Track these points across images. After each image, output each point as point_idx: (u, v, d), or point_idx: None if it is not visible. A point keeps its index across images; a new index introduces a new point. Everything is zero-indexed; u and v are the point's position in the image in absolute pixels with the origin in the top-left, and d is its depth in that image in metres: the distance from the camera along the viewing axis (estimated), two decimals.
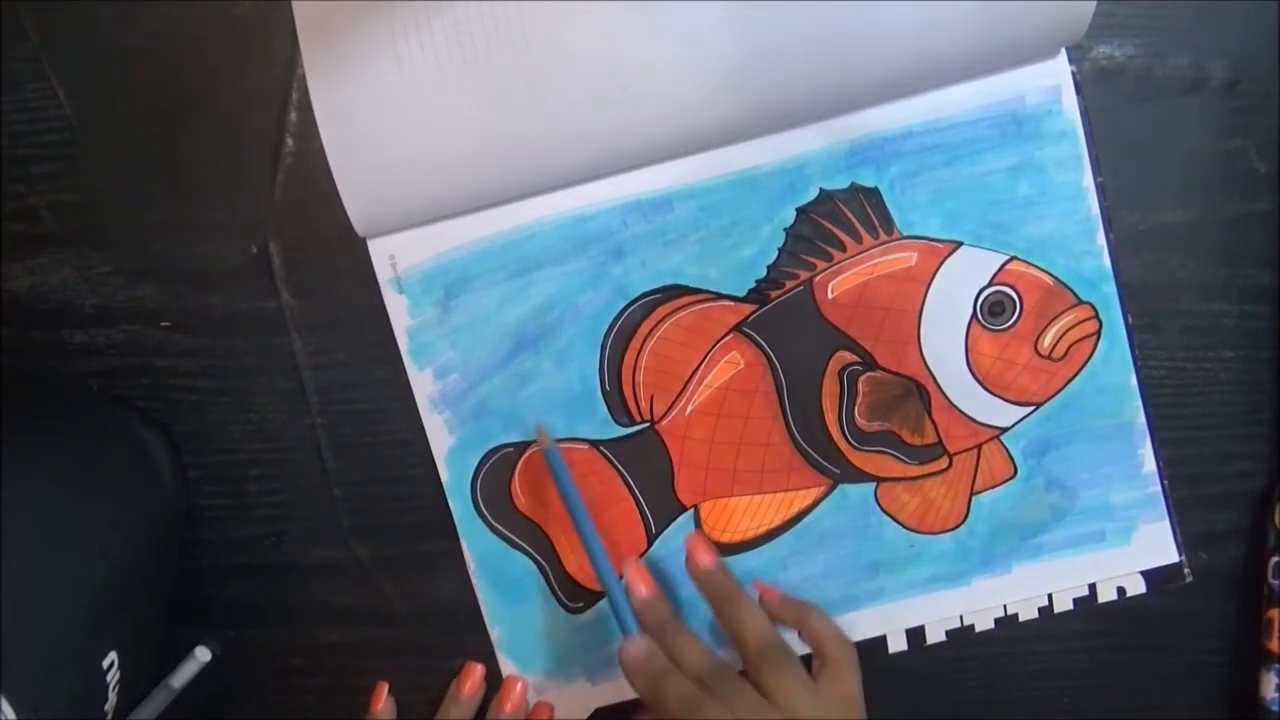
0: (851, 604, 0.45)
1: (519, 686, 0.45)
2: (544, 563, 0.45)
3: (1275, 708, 0.44)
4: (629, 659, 0.39)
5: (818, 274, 0.43)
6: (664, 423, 0.44)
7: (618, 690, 0.46)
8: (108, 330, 0.43)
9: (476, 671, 0.45)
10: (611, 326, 0.43)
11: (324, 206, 0.41)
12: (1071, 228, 0.42)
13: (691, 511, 0.45)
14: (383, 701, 0.46)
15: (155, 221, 0.42)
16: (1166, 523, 0.44)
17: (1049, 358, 0.43)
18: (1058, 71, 0.41)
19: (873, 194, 0.42)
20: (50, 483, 0.37)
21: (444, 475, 0.44)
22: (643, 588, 0.42)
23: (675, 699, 0.37)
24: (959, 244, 0.42)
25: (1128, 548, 0.45)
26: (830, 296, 0.43)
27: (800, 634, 0.42)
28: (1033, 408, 0.44)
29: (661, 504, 0.45)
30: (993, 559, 0.45)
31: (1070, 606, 0.45)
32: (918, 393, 0.44)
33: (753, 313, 0.43)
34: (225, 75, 0.41)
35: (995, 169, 0.42)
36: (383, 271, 0.42)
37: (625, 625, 0.40)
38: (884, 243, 0.43)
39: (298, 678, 0.47)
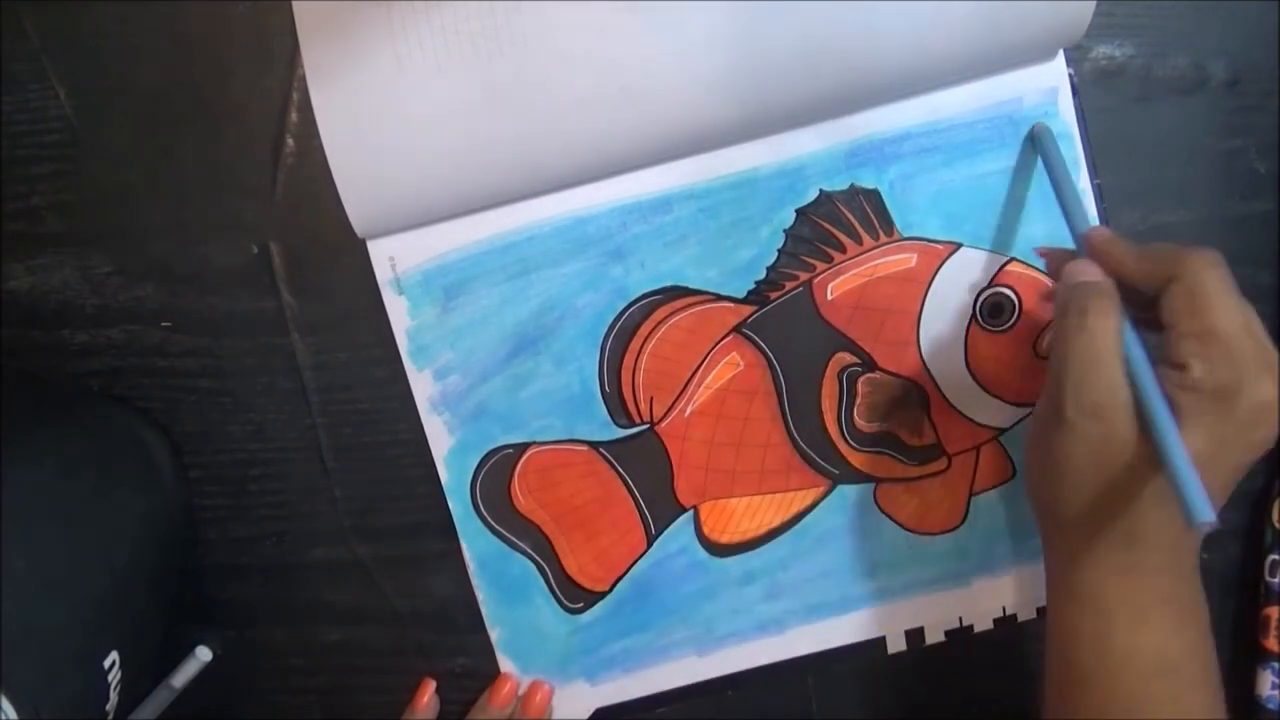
0: (850, 605, 0.45)
1: (508, 688, 0.45)
2: (544, 563, 0.45)
3: (1271, 705, 0.44)
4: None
5: (817, 275, 0.43)
6: (663, 424, 0.44)
7: (618, 690, 0.46)
8: (108, 330, 0.43)
9: (509, 684, 0.45)
10: (611, 328, 0.43)
11: (324, 207, 0.41)
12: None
13: (691, 512, 0.45)
14: (427, 698, 0.46)
15: (155, 221, 0.42)
16: None
17: (1047, 358, 0.43)
18: (1055, 74, 0.41)
19: (873, 195, 0.42)
20: (50, 483, 0.37)
21: (444, 476, 0.44)
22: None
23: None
24: (959, 245, 0.42)
25: None
26: (830, 298, 0.43)
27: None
28: (1031, 408, 0.44)
29: (661, 505, 0.45)
30: (992, 560, 0.45)
31: None
32: (917, 394, 0.44)
33: (752, 314, 0.43)
34: (225, 75, 0.41)
35: (994, 170, 0.42)
36: (382, 272, 0.42)
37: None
38: (884, 244, 0.43)
39: (298, 678, 0.47)
